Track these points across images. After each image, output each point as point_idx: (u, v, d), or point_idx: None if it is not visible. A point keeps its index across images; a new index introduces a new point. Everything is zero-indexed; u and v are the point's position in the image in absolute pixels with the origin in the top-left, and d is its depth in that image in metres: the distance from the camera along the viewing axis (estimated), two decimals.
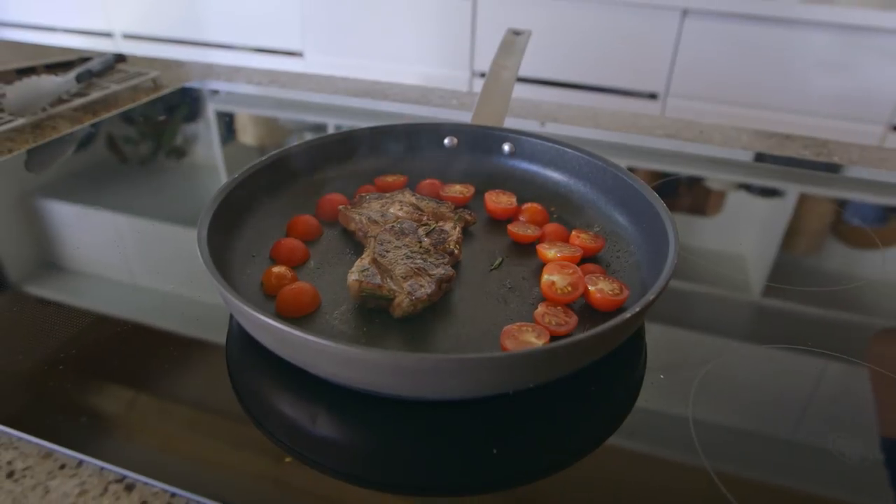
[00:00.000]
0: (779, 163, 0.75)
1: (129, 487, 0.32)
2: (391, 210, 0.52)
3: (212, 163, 0.74)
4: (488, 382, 0.34)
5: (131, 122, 0.81)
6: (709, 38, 1.74)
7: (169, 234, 0.57)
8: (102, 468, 0.33)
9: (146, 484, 0.32)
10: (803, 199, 0.67)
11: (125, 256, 0.53)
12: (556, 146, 0.58)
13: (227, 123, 0.83)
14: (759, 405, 0.39)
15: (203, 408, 0.37)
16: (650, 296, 0.37)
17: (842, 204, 0.66)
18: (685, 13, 1.73)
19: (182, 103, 0.88)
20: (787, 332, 0.45)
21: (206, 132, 0.81)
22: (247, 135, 0.82)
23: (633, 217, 0.52)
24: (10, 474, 0.33)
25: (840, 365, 0.42)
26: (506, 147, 0.61)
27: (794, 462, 0.35)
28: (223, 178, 0.69)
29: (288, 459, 0.33)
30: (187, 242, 0.55)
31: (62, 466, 0.34)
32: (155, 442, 0.35)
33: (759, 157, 0.76)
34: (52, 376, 0.39)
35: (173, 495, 0.32)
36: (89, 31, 2.58)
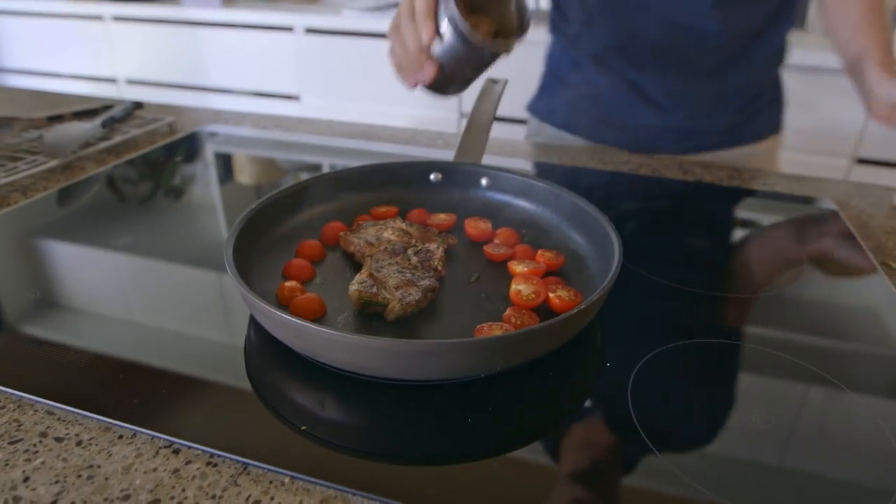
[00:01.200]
0: (720, 192, 0.85)
1: (176, 451, 0.41)
2: (385, 234, 0.61)
3: (210, 202, 0.83)
4: (463, 364, 0.43)
5: (149, 163, 0.90)
6: None
7: (171, 271, 0.65)
8: (153, 437, 0.41)
9: (189, 448, 0.41)
10: (734, 221, 0.77)
11: (125, 293, 0.61)
12: (526, 179, 0.68)
13: (226, 163, 0.93)
14: (686, 383, 0.48)
15: (228, 399, 0.45)
16: (593, 297, 0.46)
17: (766, 223, 0.76)
18: None
19: (191, 145, 0.97)
20: (716, 328, 0.54)
21: (205, 171, 0.90)
22: (244, 174, 0.92)
23: (588, 237, 0.61)
24: (79, 443, 0.41)
25: (755, 352, 0.51)
26: (483, 181, 0.70)
27: (715, 426, 0.44)
28: (221, 216, 0.78)
29: (304, 427, 0.42)
30: (190, 278, 0.64)
31: (120, 437, 0.42)
32: (195, 419, 0.43)
33: (706, 186, 0.86)
34: (108, 368, 0.47)
35: (211, 455, 0.40)
36: (94, 76, 2.71)
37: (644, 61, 0.90)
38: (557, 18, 0.98)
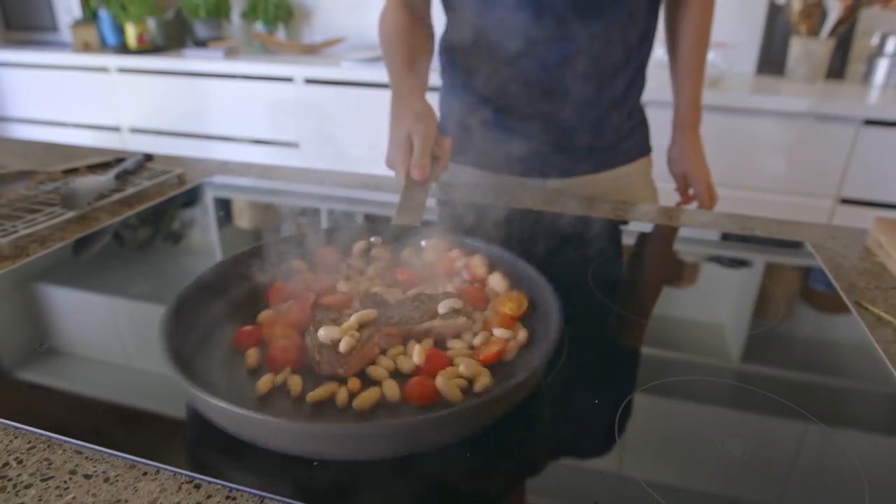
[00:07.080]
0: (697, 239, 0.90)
1: (198, 486, 0.44)
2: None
3: (209, 247, 0.88)
4: (389, 445, 0.44)
5: (160, 213, 0.95)
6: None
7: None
8: (175, 473, 0.45)
9: (210, 483, 0.44)
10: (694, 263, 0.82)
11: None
12: (468, 242, 0.68)
13: (225, 208, 0.99)
14: (662, 421, 0.51)
15: None
16: (520, 378, 0.46)
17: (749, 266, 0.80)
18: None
19: (198, 195, 1.02)
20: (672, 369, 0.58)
21: (204, 216, 0.96)
22: (243, 219, 0.97)
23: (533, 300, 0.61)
24: (107, 479, 0.44)
25: (729, 387, 0.55)
26: (423, 242, 0.71)
27: (688, 457, 0.47)
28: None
29: (315, 463, 0.45)
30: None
31: (145, 473, 0.45)
32: (214, 456, 0.46)
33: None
34: (131, 409, 0.50)
35: (230, 489, 0.43)
36: (98, 125, 2.78)
37: (530, 99, 0.99)
38: (447, 65, 1.08)
